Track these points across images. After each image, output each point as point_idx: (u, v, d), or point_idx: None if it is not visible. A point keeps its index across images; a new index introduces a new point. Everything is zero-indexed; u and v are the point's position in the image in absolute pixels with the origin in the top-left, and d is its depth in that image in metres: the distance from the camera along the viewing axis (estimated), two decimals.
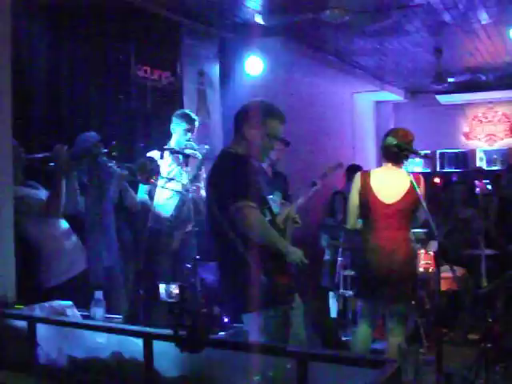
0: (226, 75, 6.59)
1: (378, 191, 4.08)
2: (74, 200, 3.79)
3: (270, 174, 5.37)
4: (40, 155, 3.67)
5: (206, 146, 4.73)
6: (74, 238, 3.82)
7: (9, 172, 3.09)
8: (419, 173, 4.18)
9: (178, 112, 4.83)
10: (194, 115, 4.82)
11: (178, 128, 4.72)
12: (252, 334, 3.03)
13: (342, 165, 3.99)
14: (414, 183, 3.67)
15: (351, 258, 5.83)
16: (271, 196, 3.82)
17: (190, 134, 4.71)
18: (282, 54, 6.89)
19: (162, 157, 4.70)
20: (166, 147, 4.68)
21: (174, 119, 4.75)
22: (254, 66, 6.47)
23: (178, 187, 4.66)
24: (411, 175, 3.76)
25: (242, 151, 3.16)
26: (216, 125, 6.44)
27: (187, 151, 4.60)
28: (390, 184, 4.07)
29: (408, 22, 6.37)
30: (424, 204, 3.61)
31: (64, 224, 3.77)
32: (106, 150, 3.85)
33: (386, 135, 4.12)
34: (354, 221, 4.22)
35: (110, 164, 3.97)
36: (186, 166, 4.60)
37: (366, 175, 4.18)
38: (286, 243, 3.06)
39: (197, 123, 4.80)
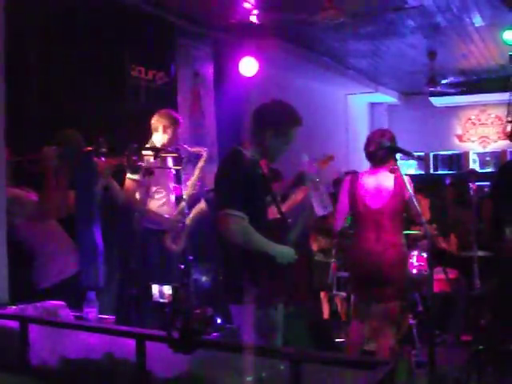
0: (220, 76, 6.59)
1: (365, 196, 4.12)
2: (66, 202, 3.77)
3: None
4: (29, 157, 3.64)
5: (196, 150, 4.73)
6: (67, 239, 3.82)
7: (1, 173, 3.08)
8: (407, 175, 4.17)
9: (163, 111, 4.79)
10: (177, 115, 4.78)
11: (161, 127, 4.67)
12: (239, 327, 3.09)
13: (332, 157, 4.00)
14: (407, 183, 3.68)
15: (344, 259, 5.84)
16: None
17: (175, 134, 4.69)
18: (276, 55, 6.90)
19: (156, 157, 4.69)
20: (156, 147, 4.66)
21: (157, 118, 4.70)
22: (248, 66, 6.47)
23: (171, 187, 4.66)
24: (404, 176, 3.75)
25: (252, 153, 3.12)
26: (210, 125, 6.44)
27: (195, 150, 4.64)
28: (377, 187, 4.10)
29: (402, 24, 6.39)
30: (416, 205, 3.63)
31: (56, 225, 3.77)
32: (91, 148, 3.83)
33: (374, 138, 4.13)
34: (342, 223, 4.29)
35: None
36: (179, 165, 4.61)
37: (353, 179, 4.23)
38: (274, 246, 3.03)
39: (180, 123, 4.77)
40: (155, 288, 3.05)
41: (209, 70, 6.48)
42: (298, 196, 4.13)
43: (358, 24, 6.30)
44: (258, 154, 3.15)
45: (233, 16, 5.88)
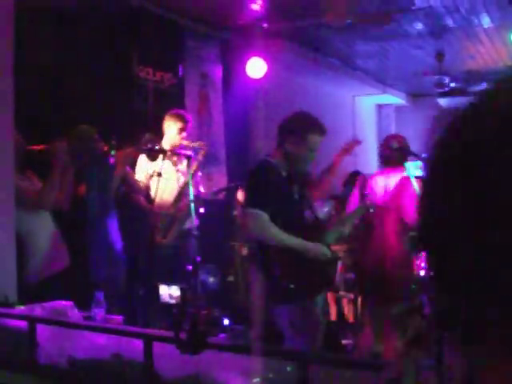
0: (228, 77, 6.60)
1: (371, 196, 4.17)
2: (67, 196, 3.75)
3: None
4: (39, 147, 3.66)
5: (197, 144, 4.76)
6: (56, 233, 3.74)
7: (11, 170, 3.09)
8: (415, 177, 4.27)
9: (173, 112, 4.83)
10: (187, 115, 4.84)
11: (171, 127, 4.71)
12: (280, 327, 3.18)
13: (360, 142, 4.17)
14: (416, 185, 3.75)
15: (352, 259, 5.82)
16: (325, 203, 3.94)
17: (183, 134, 4.72)
18: (284, 56, 6.90)
19: (153, 159, 4.68)
20: (163, 148, 4.67)
21: (167, 118, 4.75)
22: (255, 68, 6.47)
23: (174, 185, 4.68)
24: (414, 178, 3.81)
25: (280, 162, 3.27)
26: (218, 126, 6.44)
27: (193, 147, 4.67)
28: (384, 188, 4.16)
29: (410, 25, 6.38)
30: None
31: (46, 219, 3.70)
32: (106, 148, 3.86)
33: (387, 141, 4.27)
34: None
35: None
36: (188, 166, 4.62)
37: (364, 180, 4.34)
38: (303, 242, 3.12)
39: (189, 123, 4.81)
40: (163, 289, 3.06)
41: (217, 72, 6.48)
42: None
43: (366, 25, 6.30)
44: (283, 165, 3.28)
45: (241, 17, 5.89)
